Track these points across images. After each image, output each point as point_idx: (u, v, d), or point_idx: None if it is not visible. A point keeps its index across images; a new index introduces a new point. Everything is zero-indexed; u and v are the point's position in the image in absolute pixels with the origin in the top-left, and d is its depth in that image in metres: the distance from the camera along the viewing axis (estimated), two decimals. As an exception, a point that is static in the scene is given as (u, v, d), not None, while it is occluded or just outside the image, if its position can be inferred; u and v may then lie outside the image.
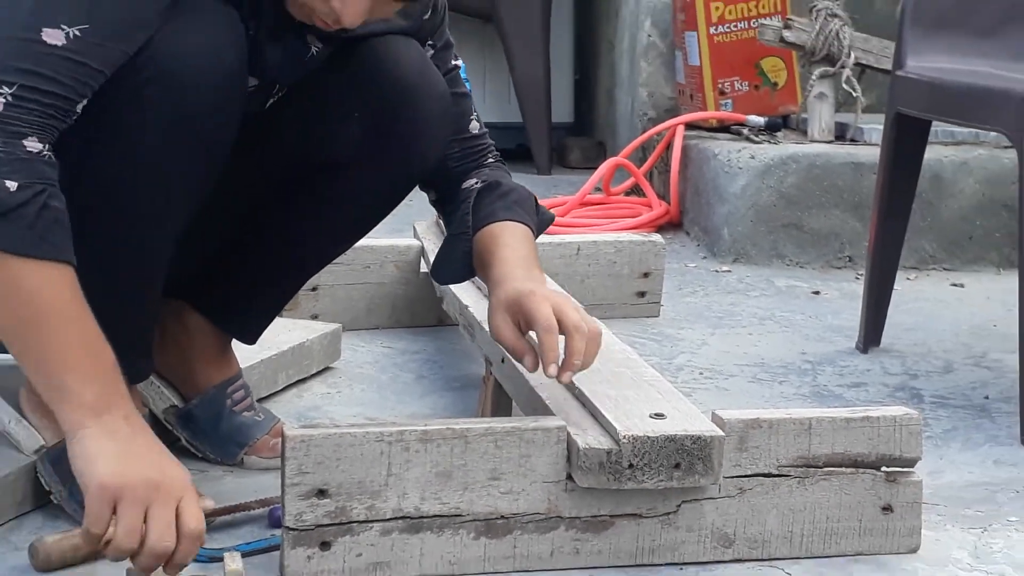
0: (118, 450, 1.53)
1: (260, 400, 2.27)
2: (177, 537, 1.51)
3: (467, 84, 2.24)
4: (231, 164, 1.94)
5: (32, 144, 1.53)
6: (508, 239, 1.95)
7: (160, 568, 1.53)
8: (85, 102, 1.60)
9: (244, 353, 2.24)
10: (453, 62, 2.11)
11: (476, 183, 2.03)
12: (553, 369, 1.76)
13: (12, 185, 1.49)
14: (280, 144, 1.96)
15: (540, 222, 2.09)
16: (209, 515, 1.83)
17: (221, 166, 1.83)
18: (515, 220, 1.98)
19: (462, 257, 2.00)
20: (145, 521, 1.50)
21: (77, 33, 1.57)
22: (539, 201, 2.13)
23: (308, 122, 1.96)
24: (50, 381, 1.57)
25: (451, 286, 2.46)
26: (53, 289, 1.54)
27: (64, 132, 1.60)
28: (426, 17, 2.00)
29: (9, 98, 1.52)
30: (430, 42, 2.05)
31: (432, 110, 1.96)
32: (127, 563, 1.55)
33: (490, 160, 2.13)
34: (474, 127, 2.11)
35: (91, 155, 1.71)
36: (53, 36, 1.55)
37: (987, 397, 2.49)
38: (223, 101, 1.75)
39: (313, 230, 2.08)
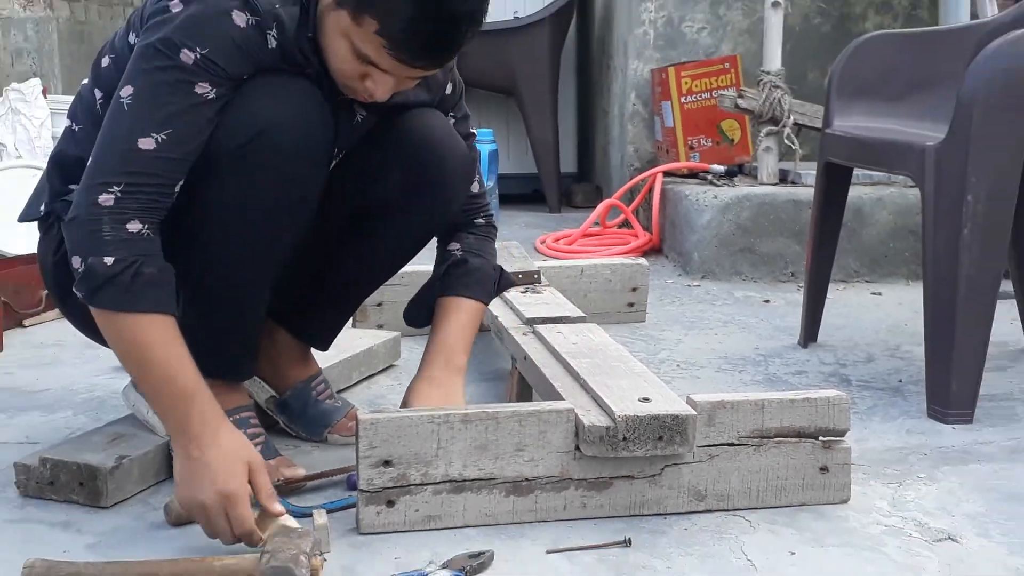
0: (199, 465, 1.56)
1: (339, 391, 2.27)
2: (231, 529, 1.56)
3: (491, 146, 2.21)
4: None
5: (133, 226, 1.56)
6: (449, 318, 1.95)
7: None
8: (182, 182, 1.62)
9: (327, 356, 2.24)
10: (470, 130, 2.06)
11: (458, 250, 2.00)
12: None
13: (109, 260, 1.53)
14: (340, 195, 1.93)
15: (500, 287, 2.05)
16: (299, 481, 1.84)
17: (312, 214, 1.83)
18: (467, 297, 1.96)
19: (426, 313, 2.01)
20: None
21: (164, 138, 1.58)
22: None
23: (360, 177, 1.94)
24: (149, 400, 1.70)
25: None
26: (152, 341, 1.57)
27: (179, 198, 1.64)
28: (447, 92, 1.97)
29: (118, 194, 1.55)
30: (451, 113, 2.00)
31: (455, 168, 1.94)
32: None
33: (480, 220, 2.05)
34: (475, 187, 2.04)
35: (208, 208, 1.70)
36: (146, 143, 1.57)
37: (900, 381, 2.49)
38: (316, 165, 1.75)
39: (366, 263, 2.07)
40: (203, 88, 1.60)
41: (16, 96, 4.21)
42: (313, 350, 2.17)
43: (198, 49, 1.58)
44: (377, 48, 1.60)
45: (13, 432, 2.15)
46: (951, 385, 2.18)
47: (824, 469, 1.77)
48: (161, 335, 1.56)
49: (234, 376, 1.92)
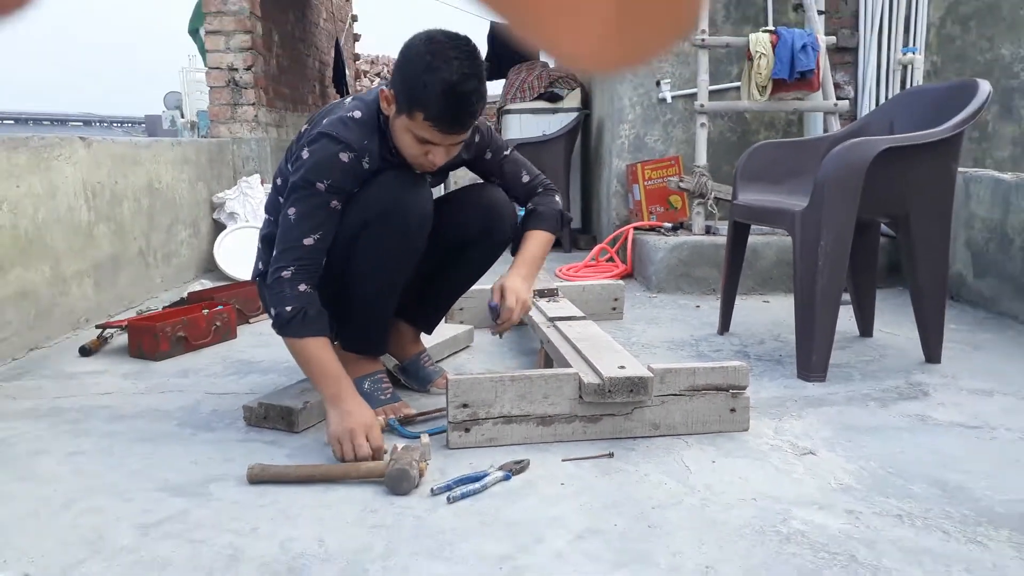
0: (337, 416, 1.60)
1: (436, 362, 2.26)
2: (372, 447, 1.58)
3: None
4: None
5: (302, 287, 1.64)
6: (526, 243, 1.90)
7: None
8: (325, 257, 1.69)
9: (428, 340, 2.25)
10: (505, 152, 1.94)
11: (530, 206, 1.94)
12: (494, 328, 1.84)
13: (288, 309, 1.62)
14: (441, 236, 1.93)
15: (562, 223, 1.94)
16: (413, 416, 1.84)
17: (421, 252, 1.84)
18: (537, 228, 1.91)
19: (516, 243, 1.95)
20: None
21: (318, 236, 1.66)
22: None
23: (453, 226, 1.93)
24: (314, 383, 1.67)
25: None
26: (313, 351, 1.64)
27: (339, 254, 1.72)
28: (476, 141, 1.89)
29: (293, 270, 1.64)
30: (489, 150, 1.92)
31: (508, 216, 1.95)
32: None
33: (539, 190, 1.96)
34: (524, 178, 1.95)
35: (359, 253, 1.73)
36: (308, 241, 1.65)
37: (781, 355, 2.45)
38: (423, 227, 1.75)
39: (457, 278, 2.06)
40: (334, 203, 1.68)
41: (245, 184, 4.28)
42: (422, 335, 2.17)
43: (326, 181, 1.65)
44: (428, 129, 1.62)
45: (242, 387, 2.18)
46: (812, 357, 2.15)
47: (733, 410, 1.77)
48: (320, 349, 1.64)
49: (373, 352, 1.94)
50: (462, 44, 1.60)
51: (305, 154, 1.67)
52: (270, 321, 1.70)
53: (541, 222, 1.92)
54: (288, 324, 1.63)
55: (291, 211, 1.66)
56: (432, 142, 1.65)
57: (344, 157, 1.66)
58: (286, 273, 1.64)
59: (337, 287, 1.78)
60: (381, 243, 1.71)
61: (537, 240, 1.90)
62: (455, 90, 1.57)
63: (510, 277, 1.83)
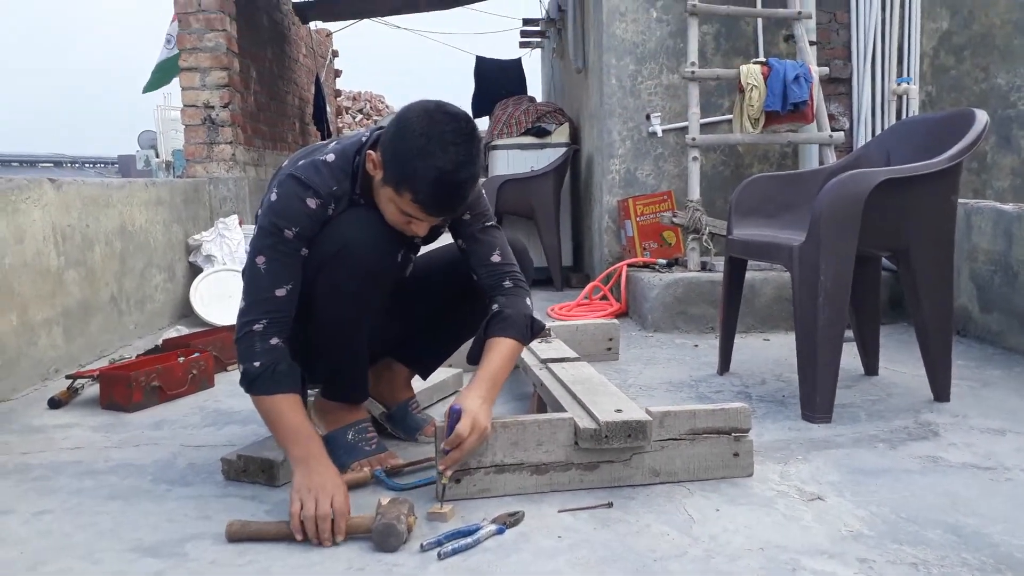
0: (301, 478, 1.56)
1: (424, 408, 2.25)
2: (334, 511, 1.51)
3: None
4: (416, 294, 1.94)
5: (273, 340, 1.63)
6: (489, 355, 1.71)
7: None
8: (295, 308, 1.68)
9: (417, 385, 2.22)
10: (487, 223, 1.81)
11: (496, 307, 1.76)
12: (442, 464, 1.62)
13: (257, 364, 1.61)
14: (443, 278, 1.92)
15: (534, 329, 1.77)
16: (400, 467, 1.82)
17: (388, 292, 1.79)
18: (504, 336, 1.72)
19: (477, 353, 1.77)
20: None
21: (290, 287, 1.65)
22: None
23: (458, 266, 1.89)
24: (281, 445, 1.64)
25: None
26: (282, 410, 1.62)
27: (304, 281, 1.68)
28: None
29: (264, 324, 1.62)
30: (470, 211, 1.80)
31: (526, 264, 1.91)
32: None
33: (507, 283, 1.78)
34: (495, 258, 1.79)
35: (317, 293, 1.71)
36: (280, 291, 1.64)
37: (784, 396, 2.45)
38: (380, 265, 1.72)
39: (459, 324, 2.03)
40: (304, 251, 1.67)
41: (223, 226, 4.27)
42: (414, 380, 2.15)
43: (294, 228, 1.64)
44: (414, 208, 1.62)
45: (220, 439, 2.16)
46: (816, 398, 2.15)
47: (736, 454, 1.75)
48: (289, 407, 1.63)
49: (354, 399, 1.90)
50: (461, 127, 1.58)
51: (273, 196, 1.67)
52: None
53: (509, 328, 1.72)
54: (256, 381, 1.61)
55: (259, 260, 1.64)
56: (416, 218, 1.65)
57: (311, 203, 1.65)
58: (257, 327, 1.62)
59: (306, 336, 1.77)
60: (338, 285, 1.69)
61: (502, 351, 1.71)
62: (448, 179, 1.57)
63: (467, 396, 1.64)
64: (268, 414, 1.63)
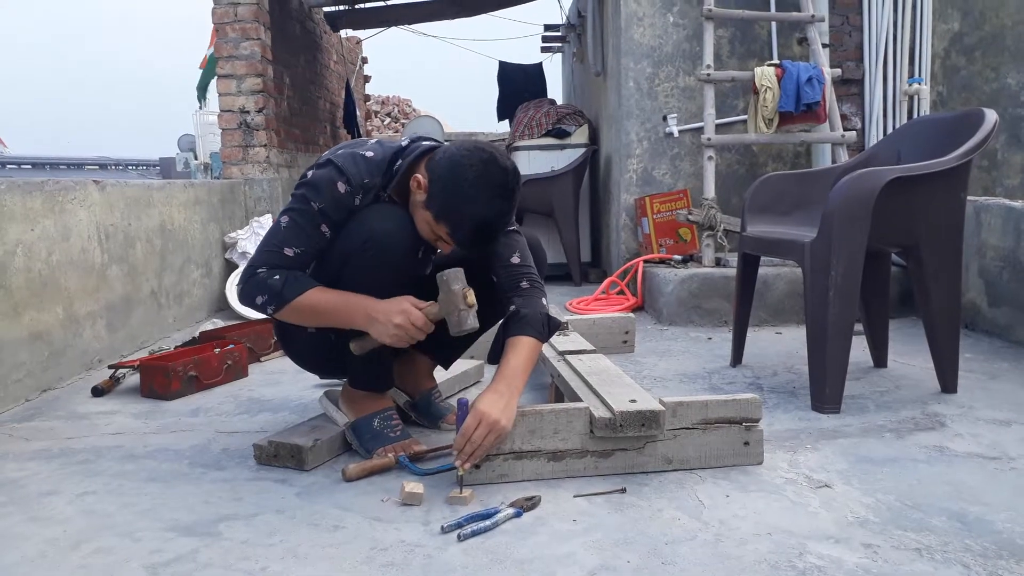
0: (377, 328, 1.68)
1: (446, 397, 2.26)
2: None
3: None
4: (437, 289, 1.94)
5: (279, 270, 1.69)
6: (509, 353, 1.70)
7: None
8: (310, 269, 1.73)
9: (440, 376, 2.24)
10: (509, 228, 1.82)
11: (513, 308, 1.75)
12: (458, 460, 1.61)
13: (277, 278, 1.68)
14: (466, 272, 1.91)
15: (551, 327, 1.77)
16: (423, 452, 1.83)
17: (410, 285, 1.79)
18: (523, 335, 1.71)
19: (497, 352, 1.77)
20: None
21: (299, 251, 1.69)
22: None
23: (474, 267, 1.88)
24: (341, 322, 1.71)
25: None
26: (321, 298, 1.69)
27: (321, 279, 1.72)
28: None
29: (265, 271, 1.69)
30: None
31: (541, 259, 1.95)
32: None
33: (524, 284, 1.78)
34: (514, 260, 1.80)
35: (343, 276, 1.74)
36: (288, 251, 1.69)
37: (794, 387, 2.44)
38: (404, 252, 1.74)
39: (480, 314, 2.03)
40: (324, 228, 1.71)
41: (257, 224, 4.32)
42: (435, 370, 2.17)
43: (319, 203, 1.69)
44: (447, 237, 1.69)
45: (253, 425, 2.18)
46: (826, 389, 2.14)
47: (747, 443, 1.75)
48: (324, 294, 1.69)
49: (380, 388, 1.92)
50: (508, 182, 1.63)
51: (310, 174, 1.73)
52: (259, 312, 1.71)
53: (526, 327, 1.72)
54: (284, 290, 1.67)
55: (283, 219, 1.72)
56: (446, 242, 1.72)
57: (341, 187, 1.69)
58: (262, 271, 1.69)
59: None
60: (363, 276, 1.71)
61: (522, 349, 1.70)
62: (487, 227, 1.64)
63: (483, 397, 1.63)
64: (313, 310, 1.69)
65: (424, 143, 1.79)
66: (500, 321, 1.89)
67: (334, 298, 1.69)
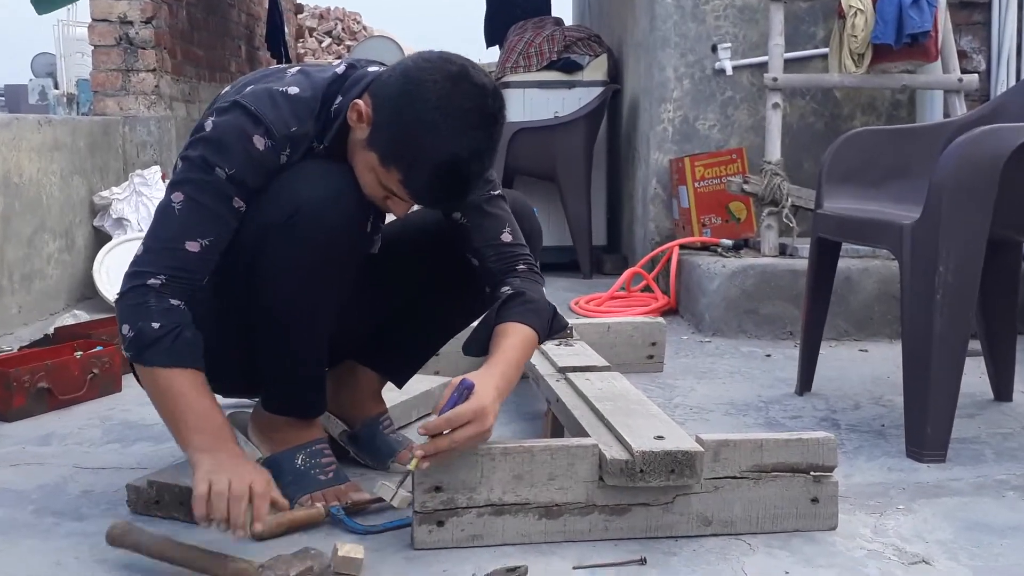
0: (211, 464, 1.60)
1: (399, 428, 2.26)
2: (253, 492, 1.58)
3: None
4: (387, 275, 1.96)
5: (174, 301, 1.65)
6: (507, 338, 1.73)
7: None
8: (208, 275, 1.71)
9: (391, 397, 2.23)
10: (493, 191, 1.85)
11: (508, 290, 1.79)
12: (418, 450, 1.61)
13: (156, 325, 1.62)
14: (428, 259, 1.95)
15: (553, 327, 1.82)
16: (365, 503, 1.83)
17: (354, 271, 1.81)
18: (522, 323, 1.75)
19: (483, 340, 1.79)
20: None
21: (206, 243, 1.67)
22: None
23: (441, 243, 1.92)
24: (180, 436, 1.68)
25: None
26: (181, 385, 1.65)
27: (229, 262, 1.71)
28: None
29: (163, 280, 1.64)
30: None
31: (535, 233, 1.97)
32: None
33: (521, 267, 1.83)
34: (506, 237, 1.84)
35: (260, 271, 1.72)
36: (192, 246, 1.66)
37: (883, 425, 2.45)
38: (348, 229, 1.74)
39: (445, 313, 2.05)
40: (237, 202, 1.69)
41: (140, 180, 4.30)
42: (385, 389, 2.16)
43: (228, 168, 1.66)
44: (400, 189, 1.67)
45: (127, 459, 2.17)
46: (926, 429, 2.15)
47: (815, 500, 1.75)
48: (195, 386, 1.67)
49: (307, 413, 1.92)
50: (487, 106, 1.62)
51: (209, 125, 1.67)
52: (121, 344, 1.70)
53: (530, 315, 1.76)
54: (152, 347, 1.63)
55: (175, 198, 1.66)
56: (399, 197, 1.69)
57: (258, 142, 1.66)
58: (153, 281, 1.64)
59: (243, 324, 1.78)
60: (288, 261, 1.70)
61: (520, 340, 1.74)
62: (456, 171, 1.62)
63: (482, 377, 1.66)
64: (165, 394, 1.66)
65: (371, 69, 1.77)
66: (477, 320, 1.91)
67: (195, 405, 1.65)
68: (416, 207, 1.80)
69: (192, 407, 1.65)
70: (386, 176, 1.66)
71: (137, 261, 1.67)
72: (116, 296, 1.68)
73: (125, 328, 1.65)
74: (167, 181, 4.37)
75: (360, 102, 1.67)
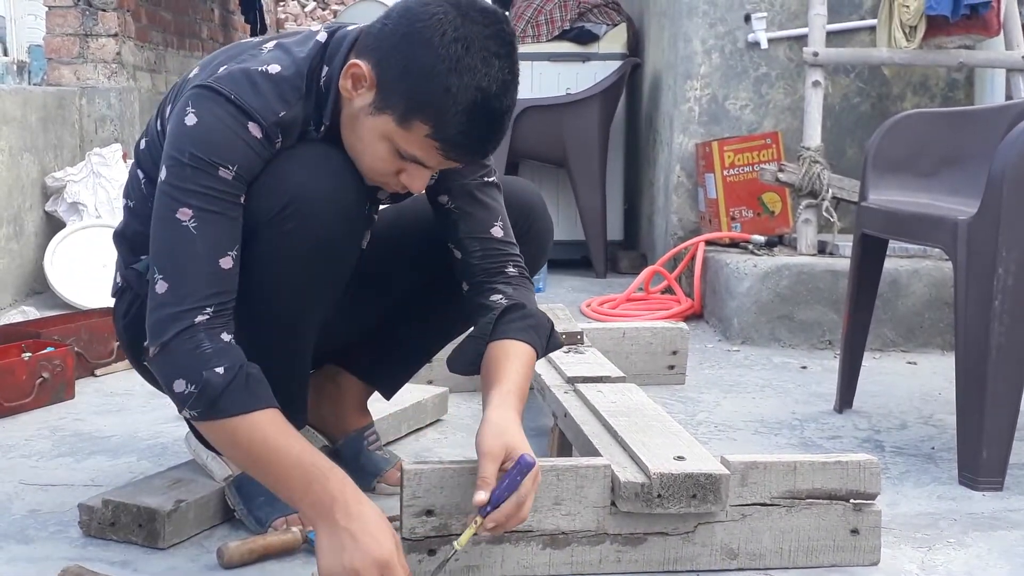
0: (330, 540, 1.52)
1: (387, 443, 2.26)
2: None
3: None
4: (373, 275, 1.95)
5: (226, 336, 1.60)
6: (513, 361, 1.74)
7: None
8: None
9: (378, 409, 2.24)
10: (487, 177, 1.85)
11: (502, 300, 1.79)
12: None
13: (220, 371, 1.55)
14: (420, 258, 1.96)
15: (549, 345, 1.83)
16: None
17: (352, 268, 1.82)
18: (525, 342, 1.76)
19: (474, 357, 1.79)
20: None
21: (235, 254, 1.63)
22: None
23: (436, 238, 1.91)
24: (285, 497, 1.63)
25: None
26: (269, 433, 1.58)
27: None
28: None
29: (211, 313, 1.58)
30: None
31: (547, 228, 2.01)
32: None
33: (511, 271, 1.84)
34: (496, 232, 1.84)
35: (246, 264, 1.69)
36: (226, 262, 1.62)
37: (933, 448, 2.45)
38: (351, 223, 1.74)
39: (442, 317, 2.06)
40: (243, 199, 1.66)
41: (98, 160, 4.30)
42: (371, 400, 2.17)
43: (233, 165, 1.62)
44: (427, 149, 1.61)
45: (80, 475, 2.17)
46: (982, 453, 2.14)
47: (855, 531, 1.75)
48: (281, 429, 1.59)
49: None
50: (503, 31, 1.60)
51: (190, 118, 1.62)
52: (175, 403, 1.60)
53: (530, 331, 1.77)
54: (224, 396, 1.54)
55: (184, 214, 1.60)
56: (421, 163, 1.65)
57: (254, 130, 1.63)
58: (201, 318, 1.57)
59: None
60: (278, 259, 1.69)
61: (525, 363, 1.75)
62: (490, 106, 1.58)
63: (509, 420, 1.65)
64: (253, 446, 1.58)
65: (350, 28, 1.74)
66: (465, 323, 1.92)
67: (292, 452, 1.57)
68: (414, 194, 1.79)
69: (288, 454, 1.57)
70: (407, 138, 1.61)
71: (167, 301, 1.58)
72: (153, 350, 1.59)
73: (180, 384, 1.56)
74: (128, 161, 4.36)
75: (357, 63, 1.63)
